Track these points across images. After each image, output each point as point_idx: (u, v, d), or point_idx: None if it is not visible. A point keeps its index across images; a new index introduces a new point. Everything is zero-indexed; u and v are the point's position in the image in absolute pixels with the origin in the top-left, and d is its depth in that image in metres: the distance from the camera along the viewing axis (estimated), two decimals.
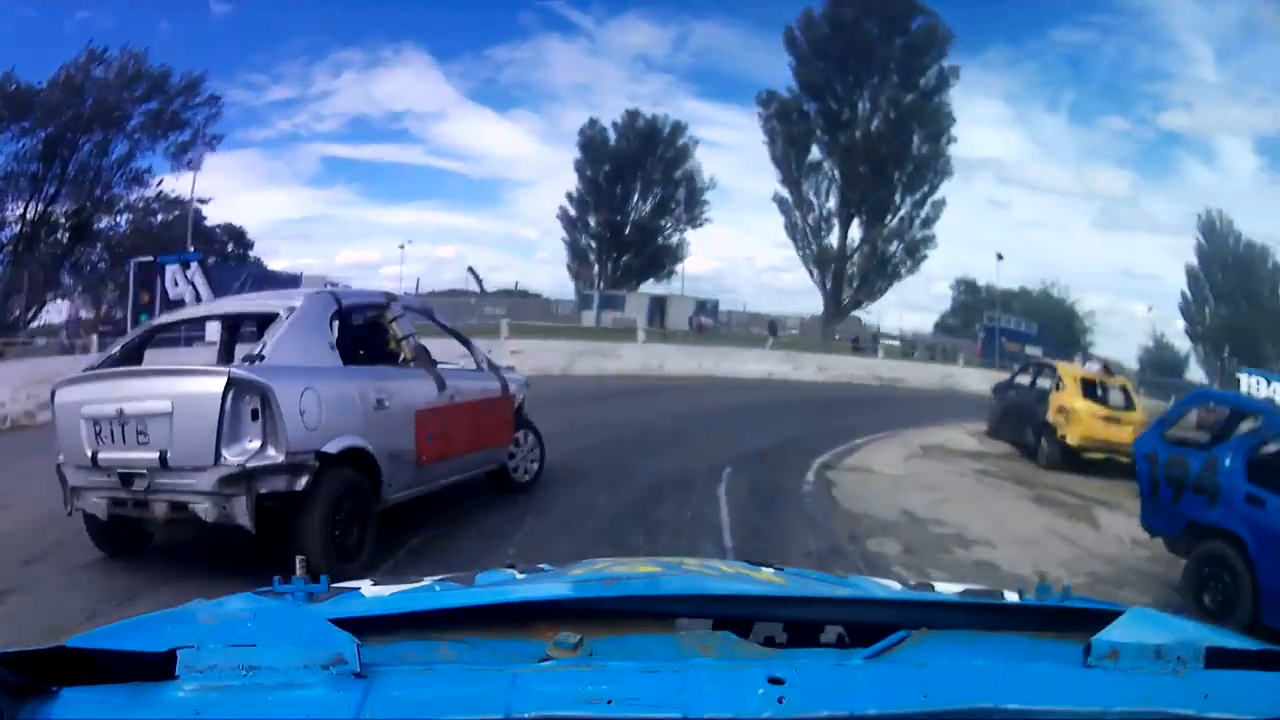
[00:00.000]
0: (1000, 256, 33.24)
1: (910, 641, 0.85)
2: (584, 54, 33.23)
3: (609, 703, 0.69)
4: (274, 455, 3.79)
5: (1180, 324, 36.60)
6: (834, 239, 34.11)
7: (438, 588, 1.15)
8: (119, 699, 0.70)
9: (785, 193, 34.14)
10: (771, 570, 1.33)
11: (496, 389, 5.44)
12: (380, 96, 36.94)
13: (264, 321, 4.44)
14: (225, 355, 5.25)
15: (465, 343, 5.58)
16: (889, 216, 33.60)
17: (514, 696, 0.69)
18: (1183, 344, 36.89)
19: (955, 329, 40.79)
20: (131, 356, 4.53)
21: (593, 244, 37.81)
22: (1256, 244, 34.12)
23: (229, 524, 3.82)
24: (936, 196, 33.40)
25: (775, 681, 0.72)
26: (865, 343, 30.25)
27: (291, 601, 0.99)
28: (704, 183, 37.18)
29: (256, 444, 3.78)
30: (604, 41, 34.70)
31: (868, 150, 32.42)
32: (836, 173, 33.60)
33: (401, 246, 38.59)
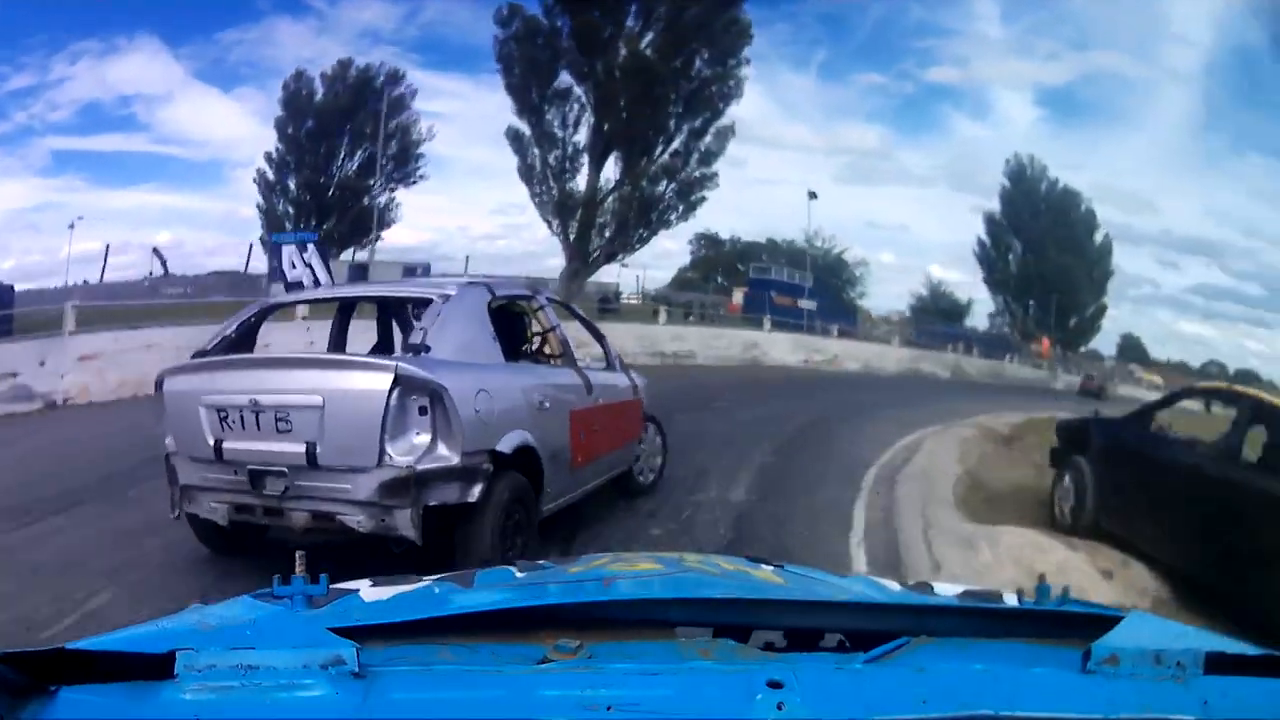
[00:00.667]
0: (813, 195, 29.15)
1: (910, 647, 0.85)
2: (312, 32, 30.35)
3: (609, 708, 0.69)
4: (446, 455, 3.25)
5: (953, 276, 35.85)
6: (583, 180, 27.12)
7: (437, 589, 1.15)
8: (119, 699, 0.70)
9: (523, 126, 26.79)
10: (771, 568, 1.33)
11: (629, 388, 5.00)
12: (112, 81, 31.33)
13: (405, 307, 4.44)
14: (339, 341, 4.88)
15: (599, 338, 5.20)
16: (658, 150, 26.95)
17: (514, 700, 0.70)
18: (975, 292, 36.00)
19: (695, 283, 35.89)
20: (246, 338, 4.01)
21: (290, 209, 30.24)
22: (1072, 189, 33.14)
23: (387, 536, 3.26)
24: (723, 122, 26.84)
25: (774, 686, 0.72)
26: (614, 303, 25.63)
27: (291, 604, 0.97)
28: (420, 135, 30.57)
29: (425, 442, 3.23)
30: (334, 19, 31.99)
31: (635, 71, 25.54)
32: (591, 99, 26.47)
33: (71, 226, 31.00)
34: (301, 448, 3.23)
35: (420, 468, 3.20)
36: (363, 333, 4.97)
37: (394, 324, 4.96)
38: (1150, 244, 39.66)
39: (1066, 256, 32.94)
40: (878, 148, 38.29)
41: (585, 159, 27.09)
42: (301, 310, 9.21)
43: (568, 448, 4.05)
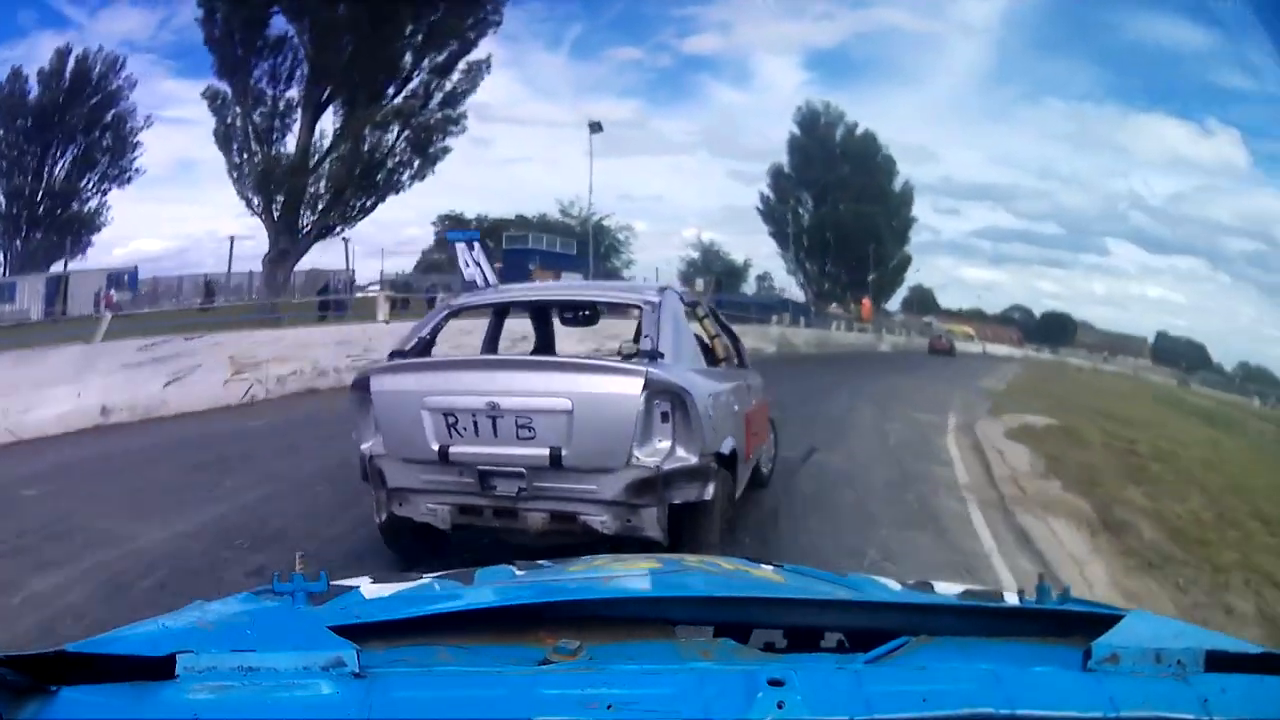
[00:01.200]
0: (596, 126, 23.26)
1: (910, 646, 0.86)
2: (74, 43, 25.37)
3: (609, 707, 0.69)
4: (686, 457, 3.32)
5: (719, 237, 31.78)
6: (293, 143, 22.28)
7: (438, 586, 1.16)
8: (119, 700, 0.70)
9: (223, 86, 21.82)
10: (771, 568, 1.33)
11: (761, 387, 5.12)
12: None
13: (621, 310, 4.56)
14: (544, 345, 5.05)
15: (735, 341, 4.93)
16: (391, 94, 22.47)
17: (514, 701, 0.70)
18: (755, 251, 32.82)
19: (442, 266, 29.36)
20: (432, 340, 4.02)
21: None
22: (872, 132, 30.37)
23: (631, 536, 3.28)
24: (476, 56, 22.24)
25: (775, 685, 0.72)
26: (340, 292, 19.42)
27: (291, 602, 0.98)
28: (137, 123, 24.66)
29: (666, 445, 3.31)
30: (93, 31, 26.38)
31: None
32: (307, 37, 21.54)
33: None
34: (545, 451, 3.21)
35: (666, 468, 3.25)
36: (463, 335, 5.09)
37: (553, 328, 5.02)
38: (930, 193, 37.51)
39: (867, 205, 30.57)
40: (632, 119, 38.21)
41: (299, 115, 22.12)
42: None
43: (744, 446, 4.12)
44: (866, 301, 31.03)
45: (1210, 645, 0.84)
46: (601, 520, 3.30)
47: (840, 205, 30.85)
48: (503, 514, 3.39)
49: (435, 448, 3.34)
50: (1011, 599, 1.19)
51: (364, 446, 3.57)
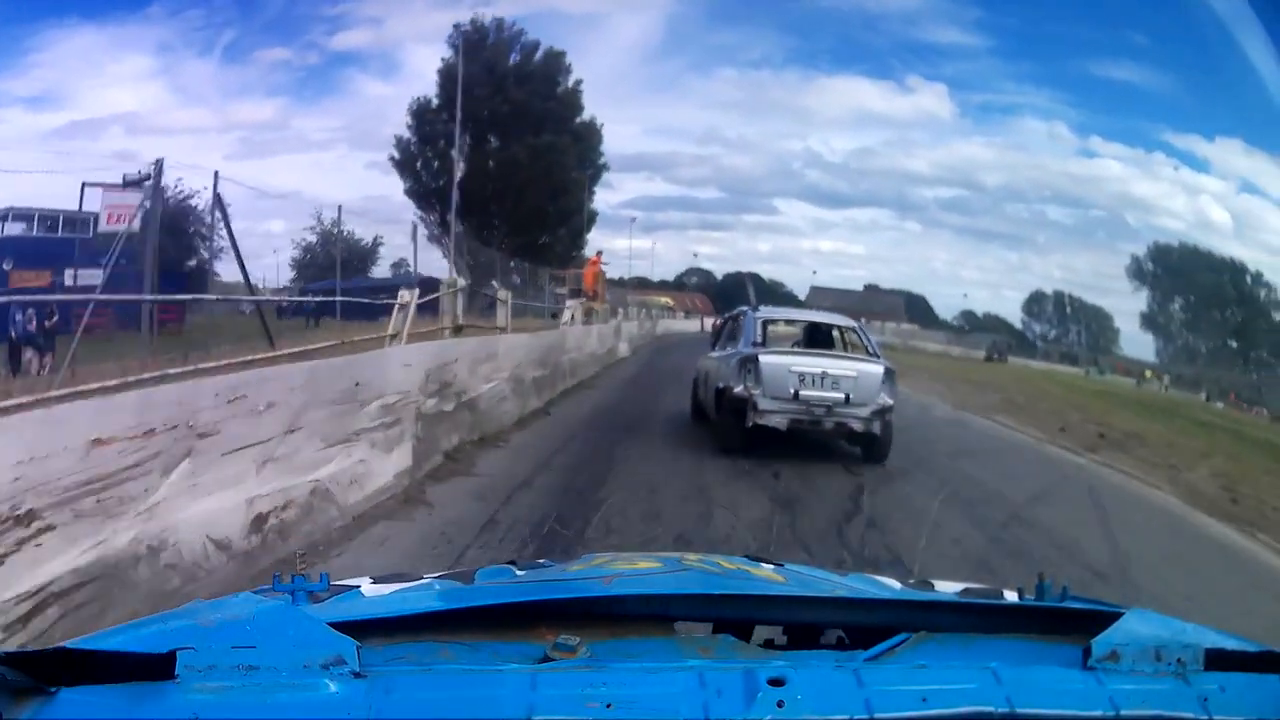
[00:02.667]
0: None
1: (910, 644, 0.86)
2: None
3: (608, 705, 0.70)
4: (889, 401, 7.46)
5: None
6: None
7: (438, 586, 1.16)
8: (119, 699, 0.70)
9: None
10: (771, 567, 1.34)
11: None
12: None
13: (846, 329, 8.80)
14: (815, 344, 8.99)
15: (868, 338, 8.62)
16: None
17: (514, 698, 0.70)
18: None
19: None
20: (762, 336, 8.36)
21: None
22: (558, 50, 24.77)
23: (865, 432, 7.38)
24: None
25: (775, 684, 0.72)
26: None
27: (291, 601, 0.98)
28: None
29: (886, 395, 7.43)
30: None
31: None
32: None
33: None
34: (843, 395, 7.25)
35: (885, 405, 7.38)
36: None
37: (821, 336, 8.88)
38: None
39: (550, 136, 24.20)
40: (274, 119, 34.79)
41: None
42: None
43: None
44: (594, 263, 21.32)
45: (1210, 644, 0.85)
46: (858, 425, 7.31)
47: (513, 144, 23.95)
48: (814, 423, 7.36)
49: (791, 392, 7.23)
50: (1011, 597, 1.20)
51: (735, 390, 7.32)
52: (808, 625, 1.00)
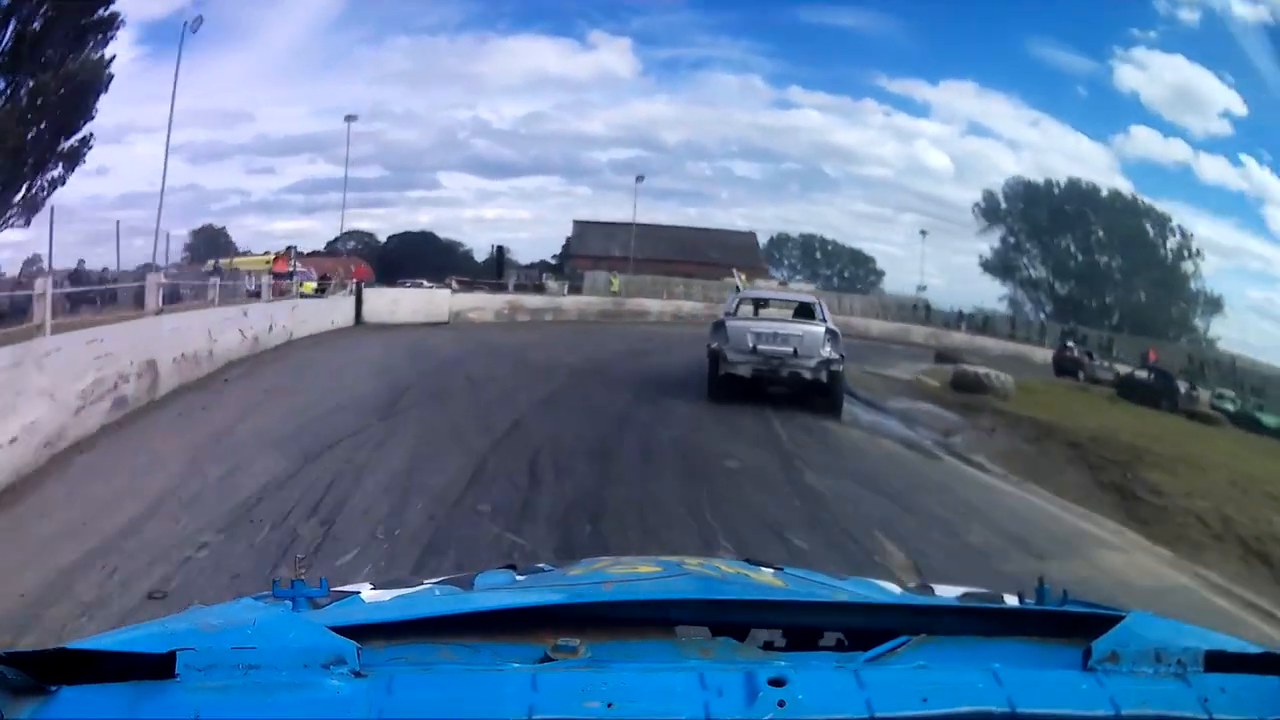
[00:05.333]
0: None
1: (910, 646, 0.86)
2: None
3: (609, 705, 0.70)
4: (833, 354, 9.82)
5: None
6: None
7: (438, 591, 1.16)
8: (119, 699, 0.70)
9: None
10: (771, 571, 1.34)
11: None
12: None
13: (805, 303, 11.82)
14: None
15: (821, 308, 11.18)
16: None
17: (514, 697, 0.70)
18: None
19: None
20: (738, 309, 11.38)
21: None
22: None
23: (814, 380, 9.80)
24: None
25: (776, 684, 0.72)
26: None
27: (292, 606, 0.99)
28: None
29: (829, 350, 9.76)
30: None
31: None
32: None
33: None
34: (792, 348, 9.81)
35: (829, 357, 9.81)
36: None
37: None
38: (241, 154, 33.98)
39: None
40: None
41: None
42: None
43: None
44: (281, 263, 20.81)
45: (1210, 645, 0.85)
46: (807, 374, 9.75)
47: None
48: (772, 371, 9.86)
49: (750, 345, 9.81)
50: (1011, 601, 1.20)
51: (713, 346, 10.09)
52: (807, 629, 1.00)
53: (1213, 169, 25.92)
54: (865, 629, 0.95)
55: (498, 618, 0.90)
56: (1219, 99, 24.27)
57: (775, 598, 1.12)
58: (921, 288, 29.52)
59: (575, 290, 27.31)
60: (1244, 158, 24.65)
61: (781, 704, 0.70)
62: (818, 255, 34.66)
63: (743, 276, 24.22)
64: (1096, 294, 30.39)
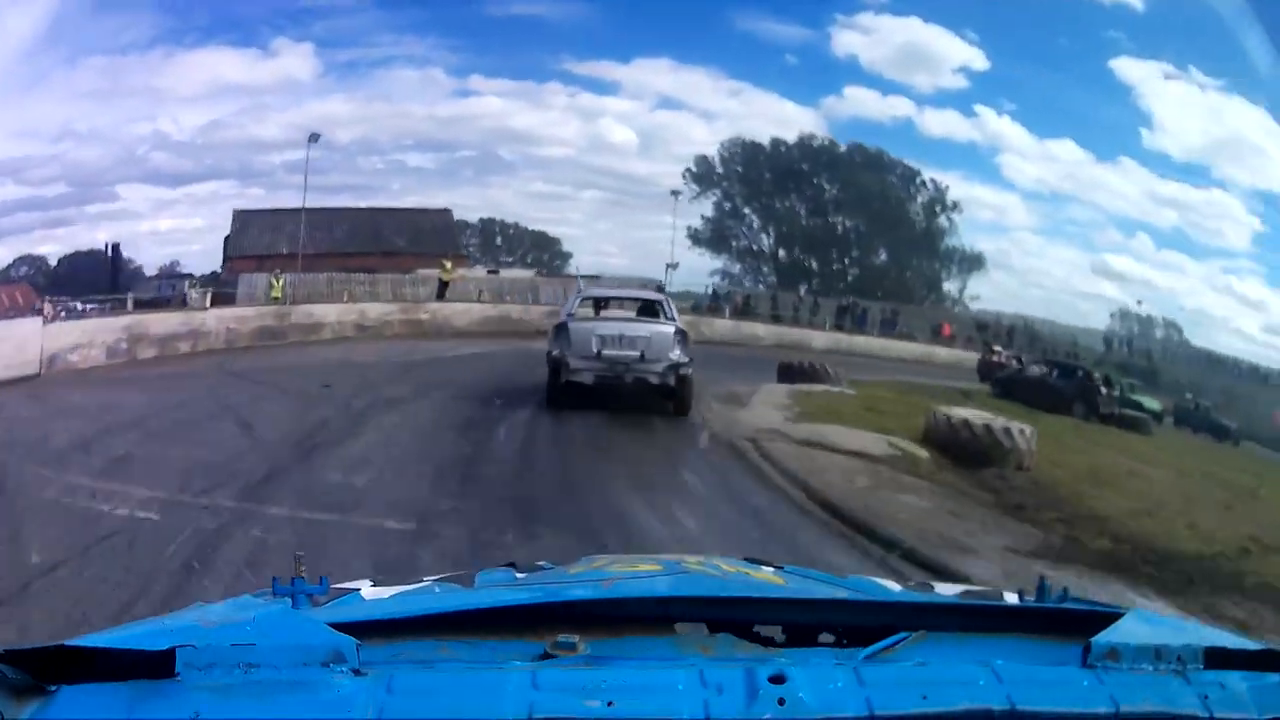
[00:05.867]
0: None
1: (909, 643, 0.86)
2: None
3: (609, 703, 0.70)
4: (682, 357, 8.96)
5: None
6: None
7: (437, 589, 1.17)
8: (119, 698, 0.70)
9: None
10: (771, 570, 1.36)
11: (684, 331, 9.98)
12: None
13: (649, 301, 10.59)
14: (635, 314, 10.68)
15: (668, 307, 10.27)
16: None
17: (514, 696, 0.71)
18: None
19: None
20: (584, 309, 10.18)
21: None
22: None
23: (662, 384, 8.95)
24: None
25: (776, 681, 0.73)
26: None
27: (292, 604, 1.00)
28: None
29: (678, 353, 8.93)
30: None
31: None
32: None
33: None
34: (639, 352, 8.79)
35: (679, 360, 8.89)
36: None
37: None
38: None
39: None
40: None
41: None
42: None
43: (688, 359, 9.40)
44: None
45: (1210, 642, 0.85)
46: (654, 379, 8.91)
47: None
48: (617, 377, 8.91)
49: (595, 350, 8.87)
50: (1011, 598, 1.20)
51: (554, 353, 9.06)
52: (807, 626, 1.00)
53: (939, 123, 24.84)
54: (865, 626, 0.95)
55: (498, 615, 0.90)
56: (956, 55, 23.18)
57: (775, 595, 1.14)
58: (673, 266, 25.00)
59: (227, 300, 22.13)
60: (978, 108, 23.71)
61: (781, 702, 0.71)
62: (498, 240, 34.03)
63: (448, 265, 21.99)
64: (828, 259, 27.88)
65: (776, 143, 27.27)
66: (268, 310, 18.27)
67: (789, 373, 12.88)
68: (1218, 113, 20.46)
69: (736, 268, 28.50)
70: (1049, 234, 24.83)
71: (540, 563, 1.41)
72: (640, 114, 28.99)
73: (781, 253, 28.54)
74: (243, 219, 29.04)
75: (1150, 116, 21.32)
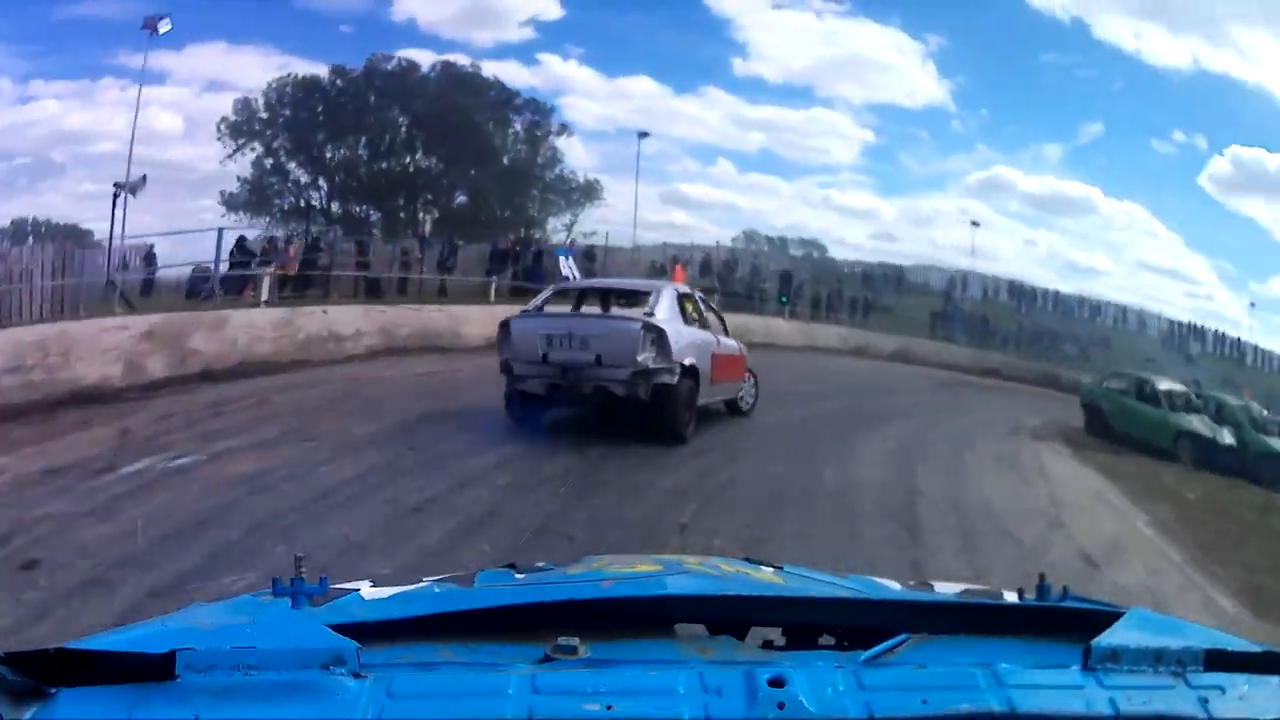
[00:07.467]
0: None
1: (910, 644, 0.86)
2: None
3: (609, 707, 0.70)
4: (658, 362, 6.73)
5: None
6: None
7: (437, 589, 1.17)
8: (119, 700, 0.71)
9: None
10: (771, 569, 1.36)
11: (737, 348, 8.53)
12: None
13: (640, 294, 7.92)
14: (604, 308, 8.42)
15: (721, 319, 8.56)
16: None
17: (514, 698, 0.71)
18: None
19: None
20: (549, 303, 7.92)
21: None
22: None
23: (628, 396, 6.71)
24: None
25: (775, 684, 0.73)
26: None
27: (291, 604, 1.00)
28: None
29: (649, 355, 6.70)
30: None
31: None
32: None
33: None
34: (594, 355, 6.73)
35: (652, 366, 6.70)
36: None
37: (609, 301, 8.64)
38: None
39: None
40: None
41: None
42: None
43: (710, 370, 7.55)
44: None
45: (1210, 644, 0.85)
46: (619, 389, 6.72)
47: None
48: (571, 386, 6.86)
49: (540, 354, 6.89)
50: (1011, 597, 1.21)
51: (502, 356, 7.17)
52: (807, 626, 1.00)
53: (493, 74, 22.30)
54: (865, 626, 0.95)
55: (497, 615, 0.90)
56: (527, 7, 21.11)
57: (775, 595, 1.14)
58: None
59: None
60: (541, 56, 21.43)
61: (781, 705, 0.71)
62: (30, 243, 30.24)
63: None
64: (395, 207, 22.93)
65: (337, 71, 22.17)
66: None
67: None
68: (833, 35, 20.39)
69: (280, 232, 21.13)
70: (614, 170, 22.18)
71: (539, 563, 1.43)
72: (189, 100, 26.06)
73: (335, 206, 23.05)
74: None
75: (745, 46, 20.69)
